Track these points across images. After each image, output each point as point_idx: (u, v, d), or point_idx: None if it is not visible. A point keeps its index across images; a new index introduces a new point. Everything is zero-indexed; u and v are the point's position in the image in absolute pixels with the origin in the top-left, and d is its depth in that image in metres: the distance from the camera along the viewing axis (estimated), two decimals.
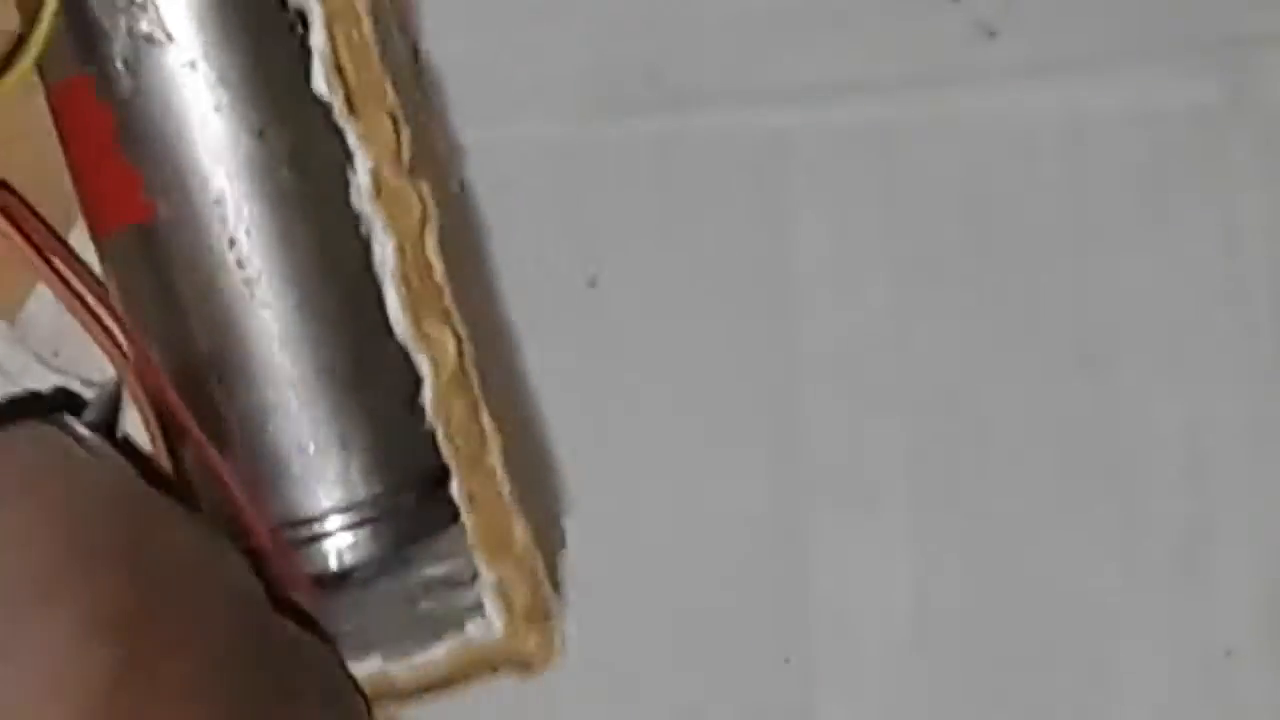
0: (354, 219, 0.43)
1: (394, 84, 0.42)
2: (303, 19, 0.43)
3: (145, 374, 0.44)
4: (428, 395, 0.41)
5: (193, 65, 0.43)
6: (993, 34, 0.59)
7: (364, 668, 0.40)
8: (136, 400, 0.45)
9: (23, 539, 0.41)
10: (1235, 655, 0.60)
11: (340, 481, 0.42)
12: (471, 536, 0.40)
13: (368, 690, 0.40)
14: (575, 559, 0.53)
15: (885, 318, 0.59)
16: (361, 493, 0.42)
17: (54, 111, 0.46)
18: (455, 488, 0.40)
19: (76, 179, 0.45)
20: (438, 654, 0.39)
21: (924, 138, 0.59)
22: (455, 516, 0.42)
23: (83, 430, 0.44)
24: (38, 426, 0.44)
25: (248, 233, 0.43)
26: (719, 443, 0.58)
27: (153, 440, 0.45)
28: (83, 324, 0.45)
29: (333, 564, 0.42)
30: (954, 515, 0.59)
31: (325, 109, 0.43)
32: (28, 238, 0.45)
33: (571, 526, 0.54)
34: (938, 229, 0.59)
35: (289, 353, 0.42)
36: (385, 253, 0.42)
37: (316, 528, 0.42)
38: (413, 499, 0.42)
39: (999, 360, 0.59)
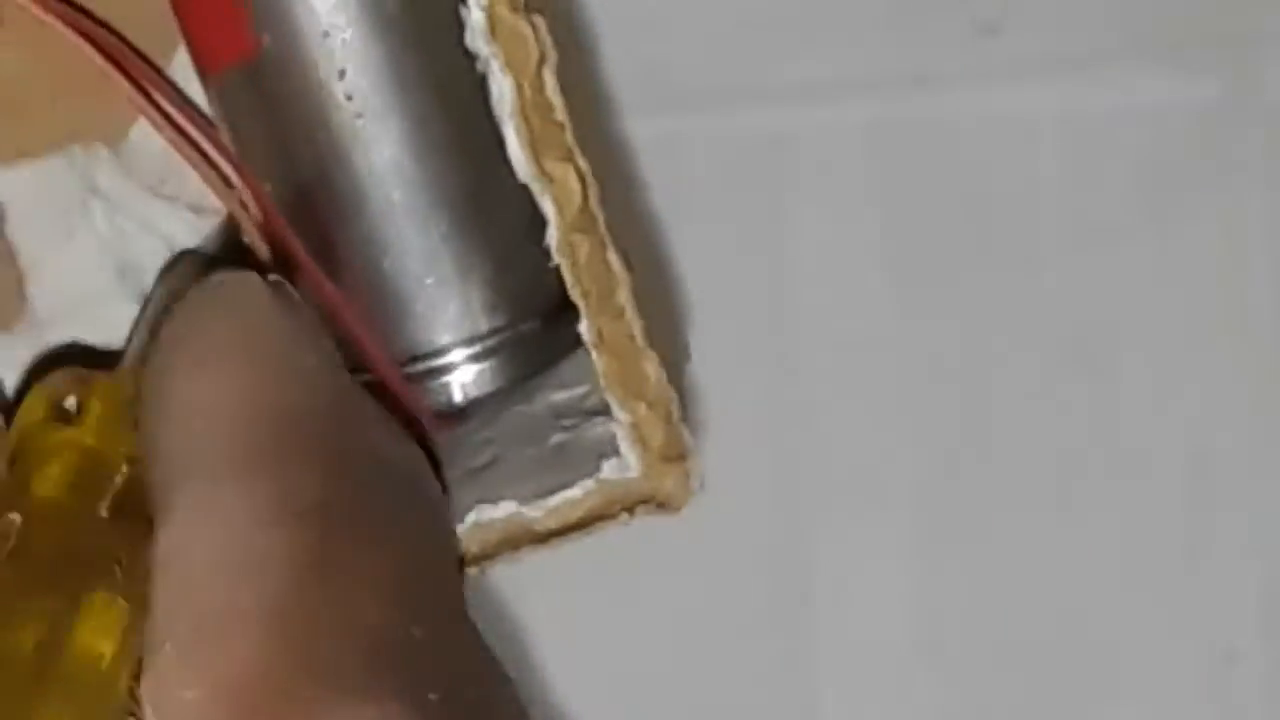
0: (469, 56, 0.41)
1: None
2: None
3: (256, 207, 0.43)
4: (553, 235, 0.39)
5: None
6: (993, 33, 0.59)
7: (499, 511, 0.39)
8: (249, 235, 0.43)
9: (224, 410, 0.39)
10: (1235, 655, 0.60)
11: (461, 314, 0.41)
12: (603, 378, 0.38)
13: (504, 535, 0.39)
14: (574, 561, 0.53)
15: (885, 317, 0.59)
16: (483, 325, 0.41)
17: None
18: (584, 328, 0.38)
19: (180, 16, 0.43)
20: (573, 495, 0.38)
21: (924, 138, 0.59)
22: (580, 342, 0.41)
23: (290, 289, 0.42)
24: (243, 274, 0.42)
25: (356, 64, 0.41)
26: (718, 442, 0.58)
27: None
28: (186, 158, 0.43)
29: (457, 397, 0.41)
30: (954, 515, 0.59)
31: None
32: (126, 72, 0.43)
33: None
34: (937, 229, 0.59)
35: (402, 185, 0.41)
36: (503, 92, 0.40)
37: (439, 361, 0.41)
38: (536, 328, 0.41)
39: (999, 360, 0.59)
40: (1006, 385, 0.59)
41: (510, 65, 0.39)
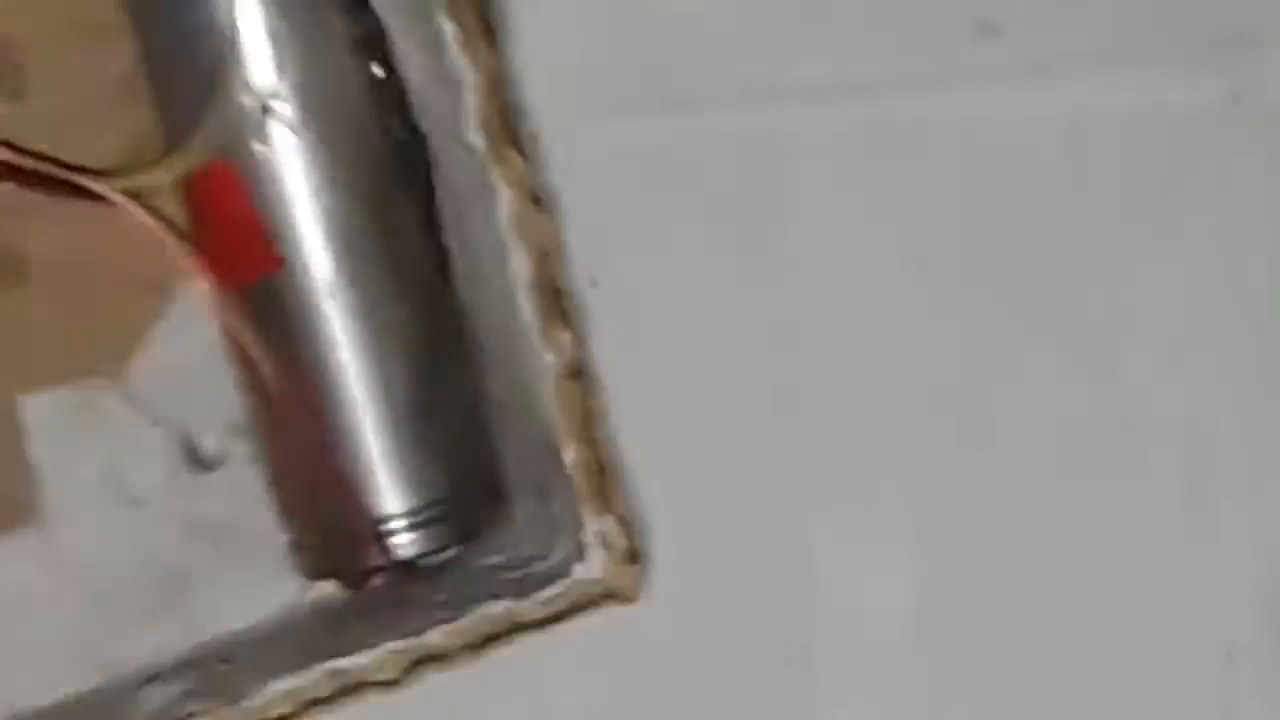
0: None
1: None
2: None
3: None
4: (550, 385, 0.45)
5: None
6: (993, 34, 0.59)
7: (498, 607, 0.44)
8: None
9: None
10: (1235, 655, 0.60)
11: (416, 483, 0.47)
12: (583, 497, 0.45)
13: (496, 628, 0.44)
14: None
15: (885, 317, 0.59)
16: (429, 495, 0.47)
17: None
18: (568, 456, 0.44)
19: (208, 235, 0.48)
20: (553, 593, 0.44)
21: (924, 138, 0.59)
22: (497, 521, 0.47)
23: None
24: None
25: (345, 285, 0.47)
26: (719, 442, 0.58)
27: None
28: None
29: (406, 553, 0.47)
30: (954, 515, 0.59)
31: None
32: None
33: None
34: (938, 229, 0.59)
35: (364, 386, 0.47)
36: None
37: (394, 524, 0.47)
38: (472, 503, 0.48)
39: (999, 360, 0.59)
40: (1007, 384, 0.59)
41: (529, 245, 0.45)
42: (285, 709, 0.46)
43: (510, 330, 0.45)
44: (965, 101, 0.59)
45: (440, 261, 0.48)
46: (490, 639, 0.43)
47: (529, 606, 0.43)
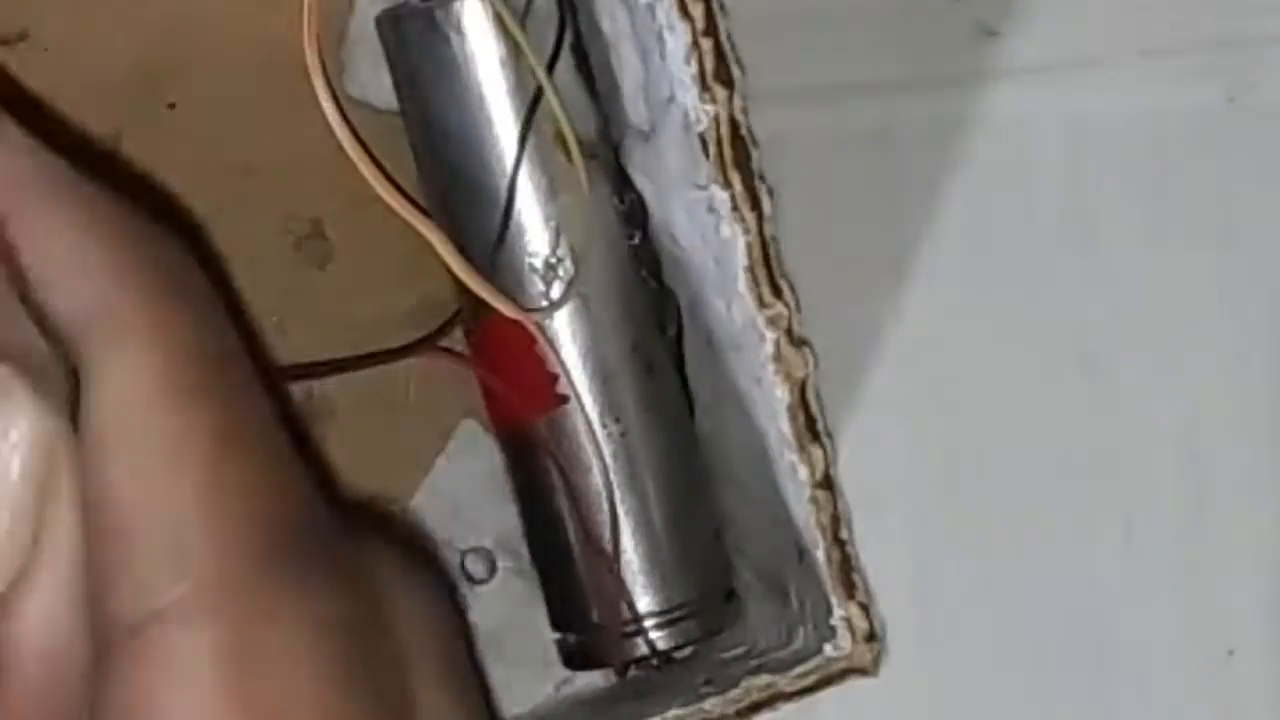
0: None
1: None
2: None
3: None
4: (805, 490, 0.50)
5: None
6: (993, 34, 0.59)
7: (758, 681, 0.50)
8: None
9: None
10: (1235, 655, 0.60)
11: (670, 585, 0.53)
12: (829, 585, 0.50)
13: (762, 697, 0.50)
14: None
15: (885, 317, 0.59)
16: (681, 596, 0.53)
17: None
18: (820, 555, 0.50)
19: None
20: (809, 667, 0.50)
21: (924, 138, 0.59)
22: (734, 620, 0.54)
23: None
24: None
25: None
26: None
27: None
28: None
29: (664, 644, 0.53)
30: (954, 515, 0.59)
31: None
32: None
33: None
34: (937, 229, 0.59)
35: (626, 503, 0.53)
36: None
37: (651, 620, 0.53)
38: (715, 604, 0.54)
39: (999, 360, 0.59)
40: (1006, 385, 0.59)
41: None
42: None
43: (758, 454, 0.50)
44: (965, 101, 0.59)
45: (686, 395, 0.54)
46: (757, 706, 0.49)
47: (788, 680, 0.49)
